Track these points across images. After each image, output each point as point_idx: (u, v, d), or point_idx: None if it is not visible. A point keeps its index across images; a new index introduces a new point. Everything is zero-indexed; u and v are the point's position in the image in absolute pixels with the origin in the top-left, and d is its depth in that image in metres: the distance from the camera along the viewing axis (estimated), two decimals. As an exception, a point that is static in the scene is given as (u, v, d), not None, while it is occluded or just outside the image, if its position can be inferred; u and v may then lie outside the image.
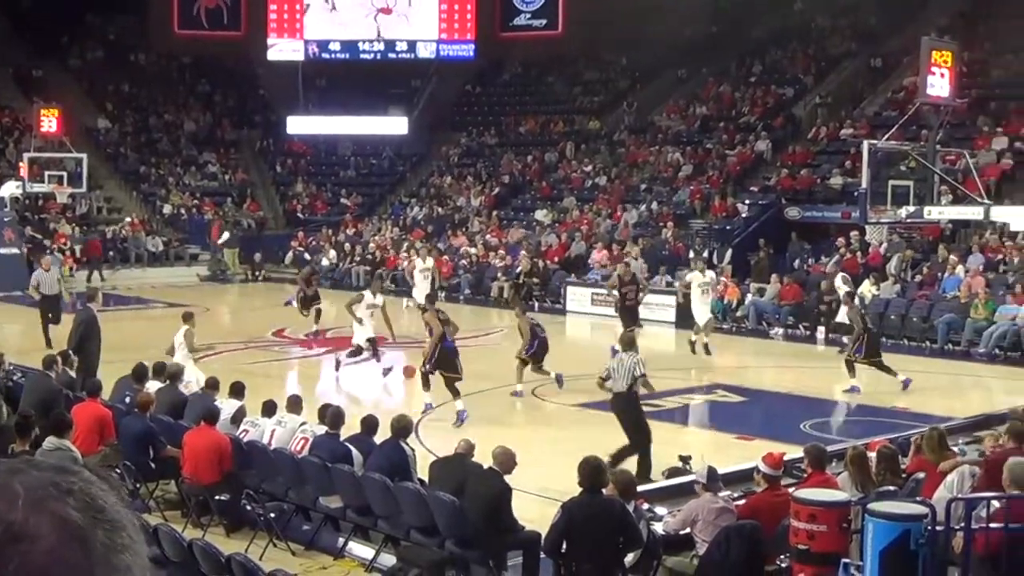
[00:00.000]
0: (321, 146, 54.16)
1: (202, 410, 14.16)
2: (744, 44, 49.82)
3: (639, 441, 14.98)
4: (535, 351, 21.13)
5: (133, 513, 1.48)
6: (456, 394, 18.82)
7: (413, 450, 12.85)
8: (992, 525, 9.05)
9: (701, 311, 25.64)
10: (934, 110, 20.35)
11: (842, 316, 26.28)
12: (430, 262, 26.21)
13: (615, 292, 25.97)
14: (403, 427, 12.84)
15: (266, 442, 13.78)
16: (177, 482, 13.83)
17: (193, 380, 18.06)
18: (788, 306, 30.06)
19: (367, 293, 24.07)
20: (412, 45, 53.19)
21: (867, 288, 28.53)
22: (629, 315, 25.18)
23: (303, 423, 13.95)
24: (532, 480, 13.00)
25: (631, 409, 15.65)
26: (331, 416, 13.50)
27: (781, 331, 28.87)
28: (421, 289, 24.14)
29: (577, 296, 33.92)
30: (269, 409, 14.73)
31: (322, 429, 13.47)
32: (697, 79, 50.30)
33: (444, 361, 19.01)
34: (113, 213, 46.70)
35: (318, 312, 27.24)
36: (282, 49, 53.07)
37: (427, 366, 19.22)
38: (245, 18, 54.01)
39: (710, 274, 26.95)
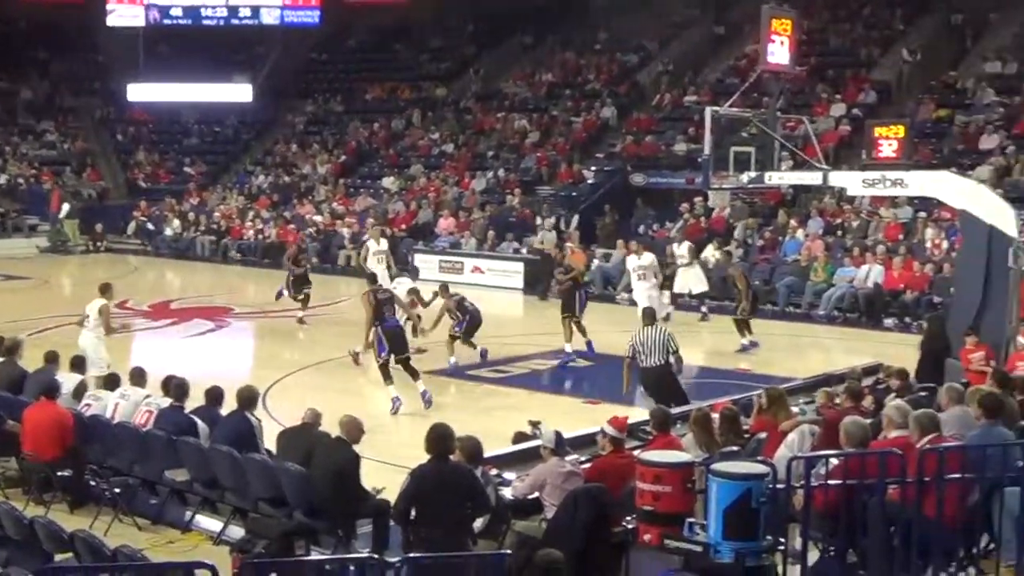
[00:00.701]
0: (163, 114, 53.01)
1: (42, 385, 13.87)
2: (589, 11, 50.01)
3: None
4: (466, 327, 21.09)
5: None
6: (415, 375, 18.31)
7: (259, 420, 12.73)
8: (831, 482, 9.26)
9: (641, 298, 23.95)
10: (774, 77, 20.59)
11: (679, 282, 26.74)
12: (384, 244, 25.02)
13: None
14: (249, 397, 12.69)
15: (109, 416, 13.54)
16: (17, 458, 13.50)
17: (100, 360, 17.32)
18: (633, 271, 30.35)
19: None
20: (256, 11, 52.33)
21: (711, 252, 28.93)
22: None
23: (147, 396, 13.70)
24: (380, 448, 12.98)
25: (670, 379, 16.26)
26: (175, 388, 13.30)
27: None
28: (379, 273, 22.95)
29: (425, 263, 33.83)
30: (112, 382, 14.47)
31: (167, 402, 13.26)
32: (543, 46, 50.42)
33: (393, 343, 18.26)
34: (-53, 183, 45.37)
35: (307, 296, 26.26)
36: (122, 14, 51.64)
37: (381, 356, 18.18)
38: (84, -18, 52.77)
39: (648, 256, 25.15)
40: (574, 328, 21.91)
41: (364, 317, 19.13)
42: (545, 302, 28.64)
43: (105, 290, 18.43)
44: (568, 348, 21.83)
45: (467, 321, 21.05)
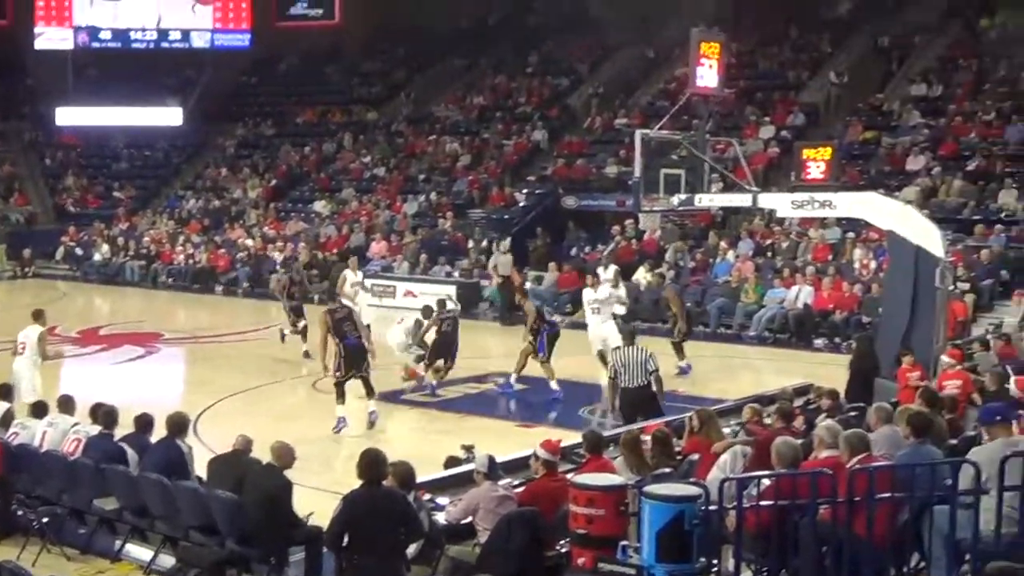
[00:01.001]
0: (92, 138, 52.54)
1: (-32, 414, 13.68)
2: (521, 34, 50.19)
3: None
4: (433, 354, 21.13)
5: None
6: (370, 392, 18.45)
7: (190, 447, 12.61)
8: (763, 503, 9.32)
9: (594, 332, 22.45)
10: (704, 100, 20.76)
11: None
12: (360, 275, 24.35)
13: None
14: (179, 424, 12.56)
15: (37, 444, 13.35)
16: (-57, 489, 13.30)
17: (36, 388, 17.05)
18: (566, 293, 30.45)
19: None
20: (186, 35, 52.16)
21: (642, 275, 29.06)
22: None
23: (75, 424, 13.53)
24: (312, 474, 12.91)
25: (650, 400, 16.36)
26: (104, 415, 13.13)
27: (559, 318, 29.19)
28: (357, 303, 22.40)
29: (357, 287, 33.68)
30: (39, 410, 14.26)
31: (95, 429, 13.10)
32: (475, 69, 50.54)
33: (356, 360, 18.24)
34: None
35: (304, 329, 24.51)
36: (50, 38, 51.38)
37: (337, 373, 18.17)
38: (11, 5, 52.27)
39: (604, 290, 23.25)
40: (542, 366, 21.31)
41: (319, 338, 18.89)
42: (508, 327, 28.36)
43: (38, 316, 18.25)
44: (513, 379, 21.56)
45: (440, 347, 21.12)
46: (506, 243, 32.51)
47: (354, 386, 18.39)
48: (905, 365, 16.30)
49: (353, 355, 18.14)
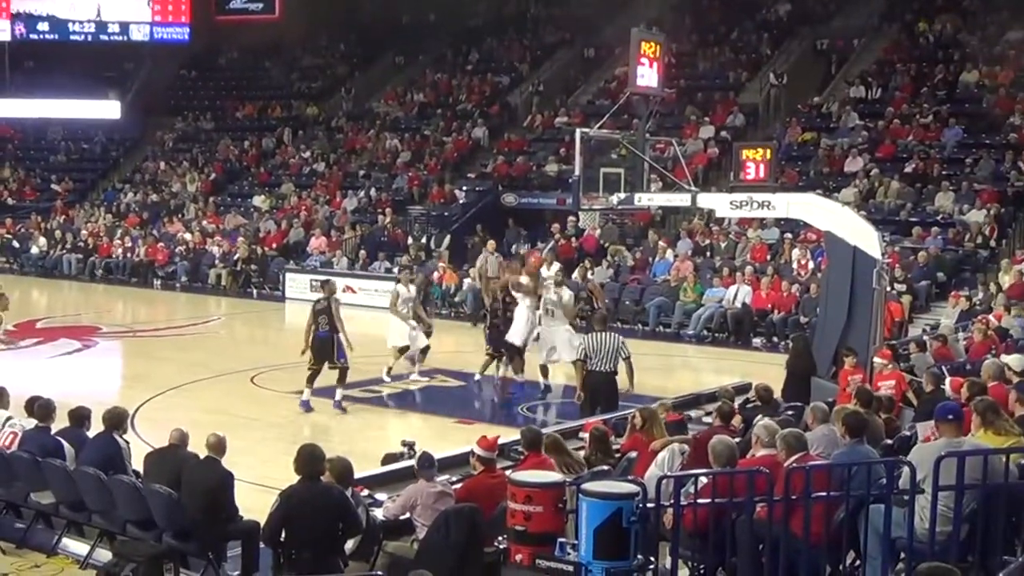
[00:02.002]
0: (29, 130, 52.23)
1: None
2: (461, 32, 50.21)
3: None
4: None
5: None
6: (342, 381, 19.19)
7: (128, 442, 12.50)
8: (700, 501, 9.36)
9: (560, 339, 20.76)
10: (643, 100, 20.75)
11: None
12: (412, 290, 23.10)
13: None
14: (116, 418, 12.46)
15: None
16: None
17: None
18: (504, 290, 30.40)
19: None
20: (125, 27, 51.69)
21: (581, 273, 29.11)
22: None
23: (9, 417, 13.38)
24: (249, 468, 12.85)
25: (613, 389, 16.77)
26: (39, 409, 12.97)
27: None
28: (406, 320, 21.46)
29: (296, 283, 33.64)
30: None
31: (31, 423, 12.97)
32: (415, 66, 50.49)
33: (322, 351, 18.99)
34: None
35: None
36: (-13, 28, 50.92)
37: (313, 365, 19.09)
38: (-54, -4, 51.74)
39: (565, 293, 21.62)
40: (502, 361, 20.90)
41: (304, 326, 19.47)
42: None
43: None
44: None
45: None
46: (492, 243, 31.42)
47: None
48: (847, 367, 16.40)
49: (320, 346, 18.92)
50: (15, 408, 13.59)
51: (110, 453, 11.99)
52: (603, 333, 16.92)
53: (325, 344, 18.95)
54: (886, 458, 10.31)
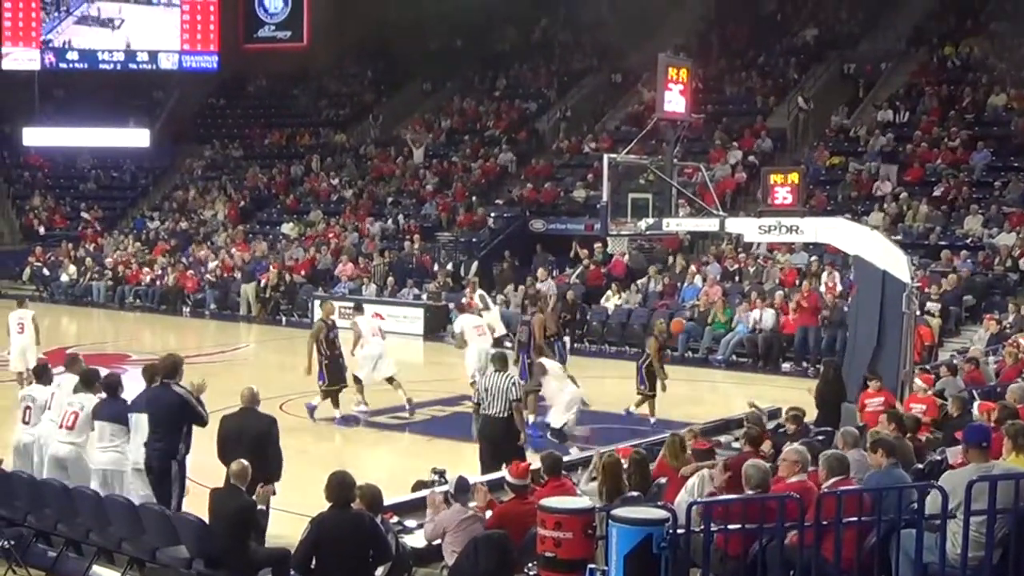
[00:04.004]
0: (59, 159, 52.49)
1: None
2: (488, 58, 50.34)
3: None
4: None
5: None
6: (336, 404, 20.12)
7: (187, 389, 12.69)
8: (730, 526, 9.32)
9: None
10: (671, 125, 20.74)
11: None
12: (482, 319, 22.77)
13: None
14: (172, 367, 12.88)
15: (43, 404, 13.50)
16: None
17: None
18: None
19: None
20: (154, 56, 52.03)
21: (610, 298, 29.08)
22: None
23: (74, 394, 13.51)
24: (279, 496, 12.85)
25: (510, 434, 15.12)
26: (106, 381, 13.29)
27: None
28: (481, 348, 21.02)
29: (324, 310, 33.63)
30: (43, 375, 14.50)
31: (90, 398, 13.11)
32: (442, 93, 50.63)
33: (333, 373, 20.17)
34: None
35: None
36: (17, 58, 51.21)
37: (320, 383, 20.22)
38: (-23, 26, 52.13)
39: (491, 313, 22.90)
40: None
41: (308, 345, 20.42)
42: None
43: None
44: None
45: None
46: (543, 271, 31.57)
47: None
48: (870, 390, 16.35)
49: (334, 369, 20.15)
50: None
51: (178, 402, 12.46)
52: (498, 374, 15.37)
53: (333, 368, 20.20)
54: (918, 483, 10.25)
